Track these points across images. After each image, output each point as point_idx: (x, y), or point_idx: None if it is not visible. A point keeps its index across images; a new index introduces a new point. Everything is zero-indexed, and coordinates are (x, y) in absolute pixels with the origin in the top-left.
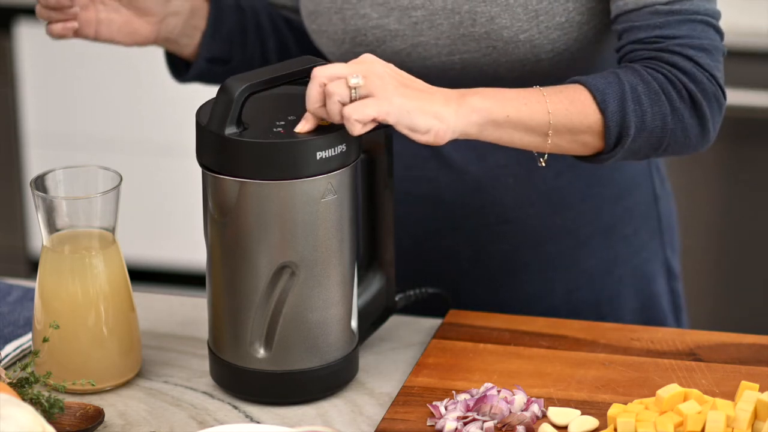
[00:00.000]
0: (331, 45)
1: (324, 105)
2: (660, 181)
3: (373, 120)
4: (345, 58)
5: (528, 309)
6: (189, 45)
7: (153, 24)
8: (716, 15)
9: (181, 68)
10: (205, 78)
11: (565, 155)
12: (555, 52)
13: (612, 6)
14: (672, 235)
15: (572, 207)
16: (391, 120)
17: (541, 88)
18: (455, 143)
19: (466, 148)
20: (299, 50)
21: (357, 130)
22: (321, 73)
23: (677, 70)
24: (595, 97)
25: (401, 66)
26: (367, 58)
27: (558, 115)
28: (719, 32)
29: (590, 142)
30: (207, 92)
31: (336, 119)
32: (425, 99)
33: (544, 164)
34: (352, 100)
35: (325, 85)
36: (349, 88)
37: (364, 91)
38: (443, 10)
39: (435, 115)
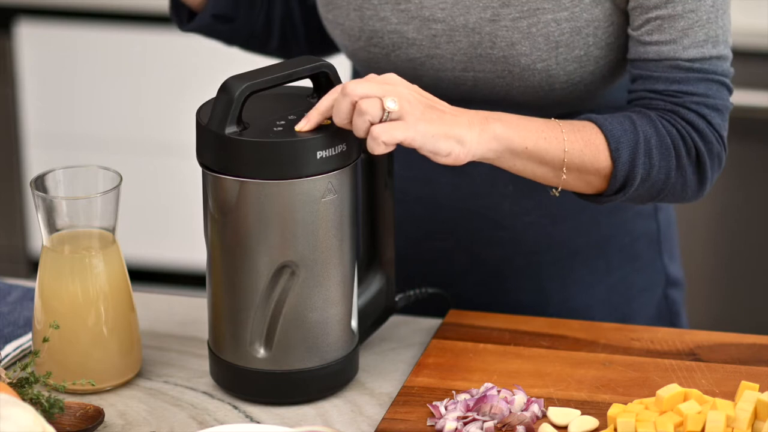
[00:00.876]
0: (345, 39)
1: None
2: None
3: (398, 143)
4: (357, 54)
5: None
6: None
7: None
8: (731, 75)
9: (184, 17)
10: (206, 32)
11: None
12: (569, 83)
13: (631, 48)
14: (670, 242)
15: (569, 218)
16: (415, 145)
17: (560, 123)
18: None
19: None
20: (304, 26)
21: (380, 150)
22: (354, 91)
23: (691, 128)
24: (609, 144)
25: (414, 74)
26: (393, 79)
27: (572, 154)
28: (731, 92)
29: (594, 183)
30: (207, 92)
31: (361, 135)
32: (449, 123)
33: (557, 194)
34: (381, 121)
35: (356, 102)
36: (383, 110)
37: (395, 114)
38: (464, 28)
39: (457, 139)
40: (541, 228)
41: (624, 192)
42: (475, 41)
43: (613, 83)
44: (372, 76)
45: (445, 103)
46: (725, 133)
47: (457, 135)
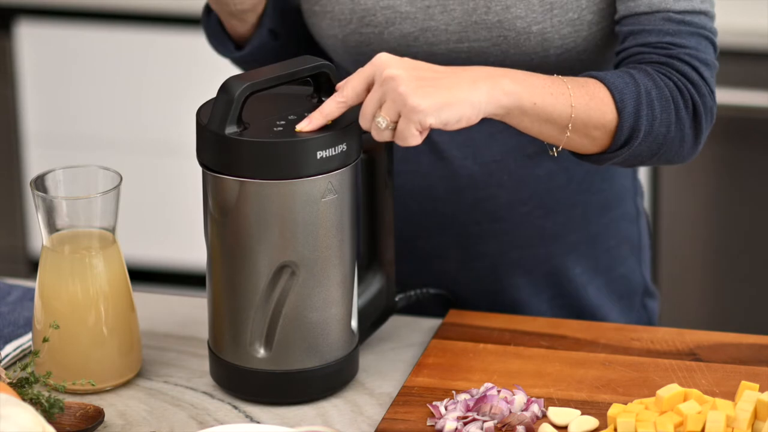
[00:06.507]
0: (335, 27)
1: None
2: (640, 197)
3: (422, 132)
4: (348, 39)
5: (513, 314)
6: (248, 21)
7: None
8: (716, 34)
9: (231, 45)
10: (258, 53)
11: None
12: (564, 48)
13: (620, 6)
14: (646, 252)
15: (562, 212)
16: (427, 123)
17: (564, 79)
18: (450, 137)
19: (462, 142)
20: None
21: (417, 141)
22: (347, 96)
23: (686, 80)
24: (613, 96)
25: (407, 52)
26: (379, 63)
27: (579, 109)
28: (716, 51)
29: (599, 138)
30: (207, 92)
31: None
32: (450, 88)
33: (555, 155)
34: (393, 128)
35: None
36: (386, 129)
37: (393, 114)
38: None
39: (463, 102)
40: (535, 220)
41: (628, 146)
42: (470, 8)
43: (605, 57)
44: (358, 74)
45: (440, 68)
46: (715, 89)
47: (462, 98)
